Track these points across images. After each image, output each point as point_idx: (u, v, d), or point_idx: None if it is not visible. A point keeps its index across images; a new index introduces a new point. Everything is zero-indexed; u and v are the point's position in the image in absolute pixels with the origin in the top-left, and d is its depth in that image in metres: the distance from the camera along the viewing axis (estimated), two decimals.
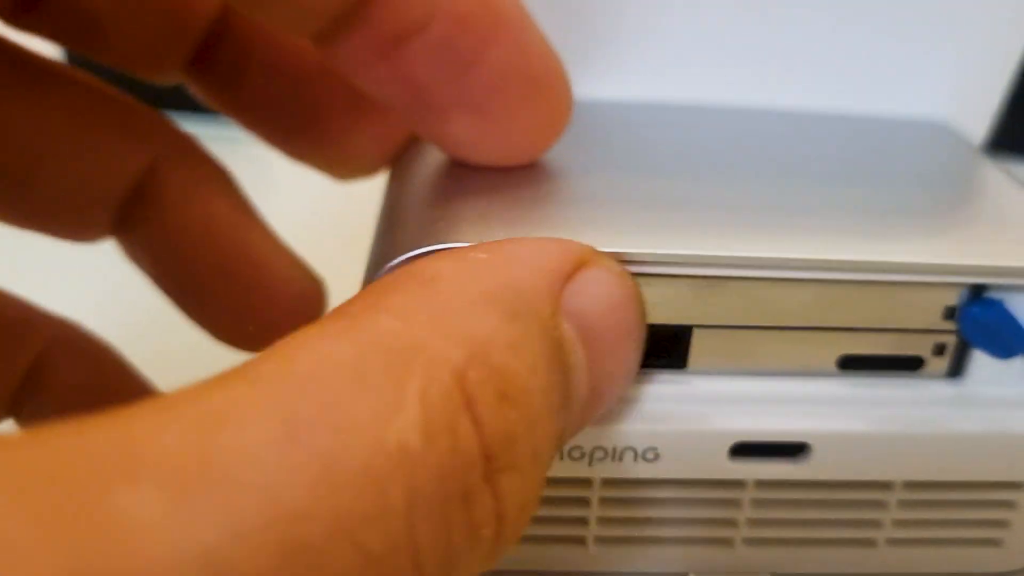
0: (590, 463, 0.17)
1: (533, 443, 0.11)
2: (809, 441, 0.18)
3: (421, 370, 0.10)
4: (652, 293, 0.17)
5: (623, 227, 0.17)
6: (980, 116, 0.24)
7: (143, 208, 0.20)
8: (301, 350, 0.10)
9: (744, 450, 0.18)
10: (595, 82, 0.24)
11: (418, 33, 0.16)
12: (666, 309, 0.17)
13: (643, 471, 0.18)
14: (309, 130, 0.21)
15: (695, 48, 0.24)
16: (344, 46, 0.17)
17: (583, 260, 0.15)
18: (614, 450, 0.17)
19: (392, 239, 0.17)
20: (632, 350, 0.16)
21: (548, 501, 0.19)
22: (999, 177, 0.21)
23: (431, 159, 0.20)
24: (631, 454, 0.17)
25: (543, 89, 0.17)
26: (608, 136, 0.22)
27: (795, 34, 0.23)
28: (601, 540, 0.19)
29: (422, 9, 0.16)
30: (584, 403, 0.14)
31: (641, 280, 0.17)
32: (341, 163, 0.22)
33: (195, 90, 0.21)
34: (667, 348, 0.18)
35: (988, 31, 0.23)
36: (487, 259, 0.13)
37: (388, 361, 0.10)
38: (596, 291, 0.15)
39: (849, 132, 0.23)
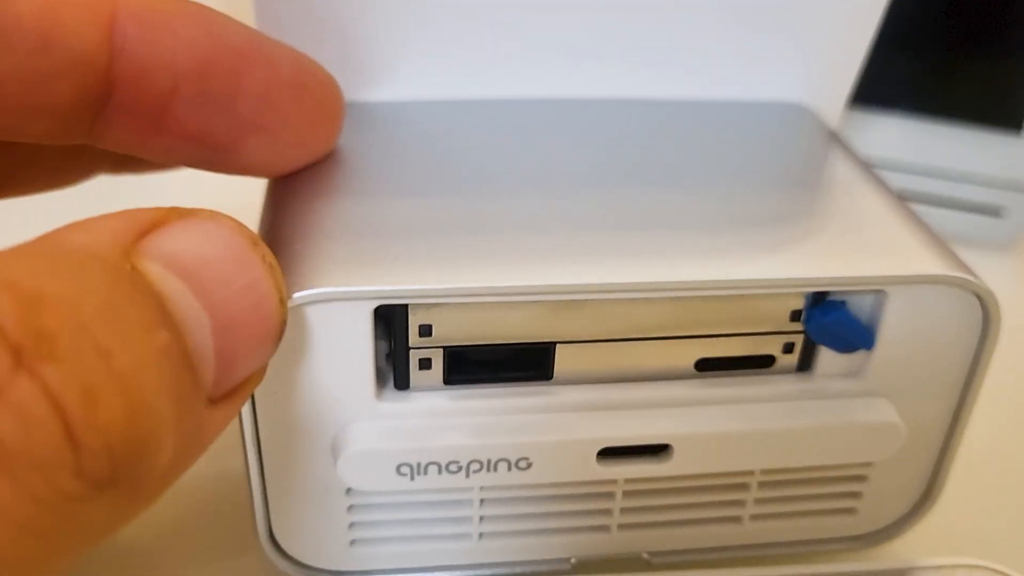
0: (467, 475, 0.19)
1: (91, 341, 0.12)
2: (670, 442, 0.19)
3: None
4: (513, 315, 0.18)
5: (474, 258, 0.17)
6: (836, 95, 0.25)
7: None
8: None
9: (611, 453, 0.19)
10: (421, 81, 0.24)
11: (172, 97, 0.17)
12: (528, 328, 0.18)
13: (518, 479, 0.19)
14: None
15: (532, 36, 0.23)
16: (115, 134, 0.18)
17: (160, 218, 0.14)
18: (489, 462, 0.18)
19: None
20: (253, 279, 0.15)
21: (430, 505, 0.20)
22: (847, 168, 0.22)
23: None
24: (505, 465, 0.19)
25: (306, 87, 0.19)
26: (439, 144, 0.22)
27: (641, 19, 0.23)
28: (485, 536, 0.20)
29: (165, 76, 0.17)
30: (214, 332, 0.14)
31: (501, 304, 0.18)
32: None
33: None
34: (532, 363, 0.19)
35: (842, 9, 0.24)
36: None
37: None
38: (185, 234, 0.14)
39: (704, 121, 0.24)
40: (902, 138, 0.33)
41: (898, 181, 0.33)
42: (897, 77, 0.33)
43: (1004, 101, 0.32)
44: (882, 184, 0.21)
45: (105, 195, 0.22)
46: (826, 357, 0.19)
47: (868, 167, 0.22)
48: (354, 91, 0.23)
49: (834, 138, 0.23)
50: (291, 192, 0.20)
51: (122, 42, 0.17)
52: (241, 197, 0.22)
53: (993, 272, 0.19)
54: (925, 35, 0.33)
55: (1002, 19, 0.32)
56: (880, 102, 0.33)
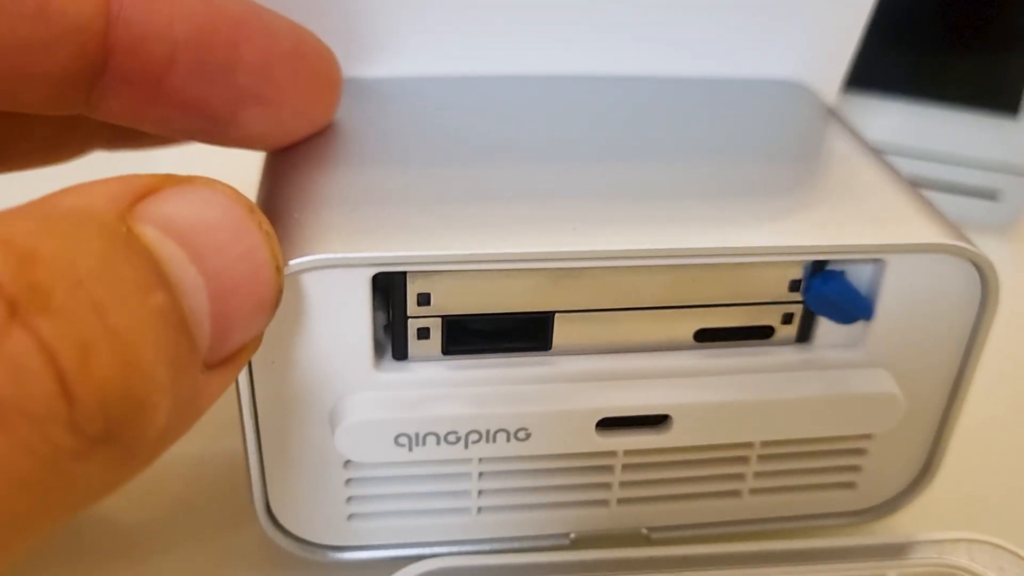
0: (466, 446, 0.18)
1: (86, 297, 0.12)
2: (670, 413, 0.19)
3: None
4: (512, 285, 0.18)
5: (473, 225, 0.17)
6: (833, 73, 0.25)
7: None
8: None
9: (610, 424, 0.19)
10: (422, 57, 0.24)
11: (169, 66, 0.17)
12: (527, 298, 0.18)
13: (517, 450, 0.19)
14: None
15: (530, 13, 0.23)
16: (111, 104, 0.18)
17: (157, 184, 0.14)
18: (488, 432, 0.18)
19: None
20: (250, 246, 0.15)
21: (428, 479, 0.20)
22: (845, 143, 0.22)
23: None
24: (504, 435, 0.18)
25: (304, 58, 0.19)
26: (438, 118, 0.22)
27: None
28: (484, 510, 0.20)
29: (163, 45, 0.17)
30: (210, 298, 0.14)
31: (500, 273, 0.18)
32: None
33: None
34: (531, 333, 0.19)
35: None
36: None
37: None
38: (181, 199, 0.14)
39: (702, 97, 0.24)
40: (900, 122, 0.33)
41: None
42: (895, 61, 0.33)
43: (1001, 85, 0.32)
44: (880, 158, 0.21)
45: (101, 172, 0.21)
46: (825, 328, 0.19)
47: (866, 142, 0.22)
48: (352, 68, 0.23)
49: (832, 114, 0.23)
50: (288, 164, 0.20)
51: (119, 9, 0.17)
52: (237, 176, 0.22)
53: (990, 255, 0.19)
54: (922, 19, 0.33)
55: (999, 3, 0.32)
56: (878, 86, 0.33)
